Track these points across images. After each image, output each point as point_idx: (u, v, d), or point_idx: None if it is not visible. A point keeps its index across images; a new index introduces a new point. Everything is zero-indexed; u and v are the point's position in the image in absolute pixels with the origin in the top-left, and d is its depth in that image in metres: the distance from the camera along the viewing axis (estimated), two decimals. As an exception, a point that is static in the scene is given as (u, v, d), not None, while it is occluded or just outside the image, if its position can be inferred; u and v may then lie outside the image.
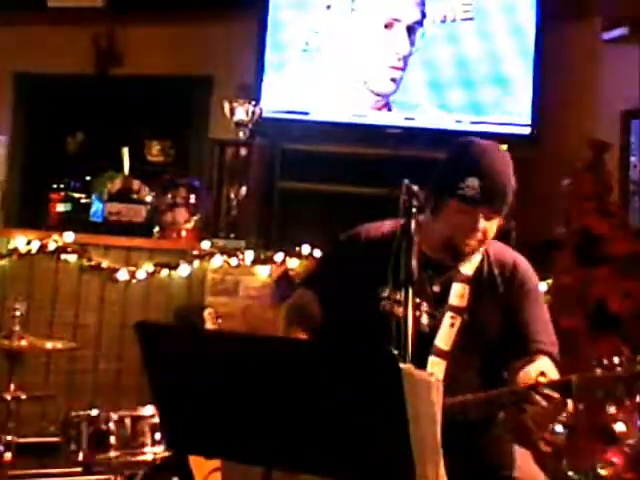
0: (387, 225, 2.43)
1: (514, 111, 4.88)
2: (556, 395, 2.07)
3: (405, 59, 4.89)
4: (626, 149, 4.62)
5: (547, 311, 2.45)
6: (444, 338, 2.33)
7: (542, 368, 2.16)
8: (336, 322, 2.42)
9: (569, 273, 3.91)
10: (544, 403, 2.08)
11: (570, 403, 2.10)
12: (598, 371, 2.07)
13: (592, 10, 4.82)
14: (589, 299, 3.77)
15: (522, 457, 2.43)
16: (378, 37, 4.91)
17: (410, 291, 2.03)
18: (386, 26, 4.87)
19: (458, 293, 2.37)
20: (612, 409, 2.01)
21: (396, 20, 4.88)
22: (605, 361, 2.07)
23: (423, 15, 4.91)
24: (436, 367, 2.29)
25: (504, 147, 4.48)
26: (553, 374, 2.17)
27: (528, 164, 4.36)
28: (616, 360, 2.07)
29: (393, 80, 4.91)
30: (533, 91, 4.86)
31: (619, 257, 3.84)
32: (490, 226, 2.32)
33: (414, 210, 2.10)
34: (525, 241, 4.16)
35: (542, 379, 2.12)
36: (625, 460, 3.38)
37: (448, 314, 2.35)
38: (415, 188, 2.12)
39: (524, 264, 2.46)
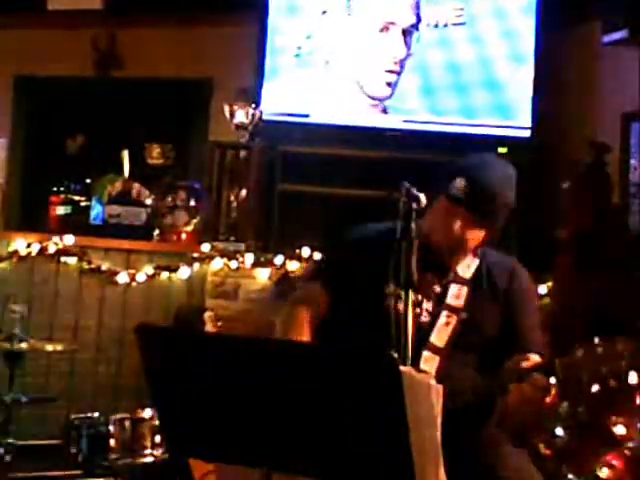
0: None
1: (514, 114, 4.88)
2: (544, 380, 2.10)
3: (401, 63, 4.89)
4: (626, 151, 4.60)
5: (539, 314, 2.54)
6: (439, 335, 2.39)
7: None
8: (342, 318, 2.44)
9: (569, 275, 3.91)
10: (530, 387, 2.11)
11: (553, 390, 2.13)
12: (579, 352, 2.09)
13: (592, 13, 4.82)
14: (589, 302, 3.77)
15: (518, 457, 2.45)
16: (374, 41, 4.91)
17: (410, 293, 2.07)
18: (382, 30, 4.87)
19: (455, 294, 2.43)
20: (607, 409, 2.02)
21: (391, 24, 4.88)
22: (586, 343, 2.09)
23: (418, 19, 4.91)
24: (429, 362, 2.34)
25: (503, 150, 4.54)
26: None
27: (528, 166, 4.37)
28: (597, 341, 2.09)
29: (389, 84, 4.91)
30: (533, 93, 4.85)
31: (619, 259, 3.84)
32: (472, 234, 2.35)
33: (414, 212, 2.11)
34: (525, 243, 4.16)
35: (525, 364, 2.16)
36: (625, 463, 3.38)
37: (444, 313, 2.41)
38: (414, 190, 2.13)
39: (521, 269, 2.53)
